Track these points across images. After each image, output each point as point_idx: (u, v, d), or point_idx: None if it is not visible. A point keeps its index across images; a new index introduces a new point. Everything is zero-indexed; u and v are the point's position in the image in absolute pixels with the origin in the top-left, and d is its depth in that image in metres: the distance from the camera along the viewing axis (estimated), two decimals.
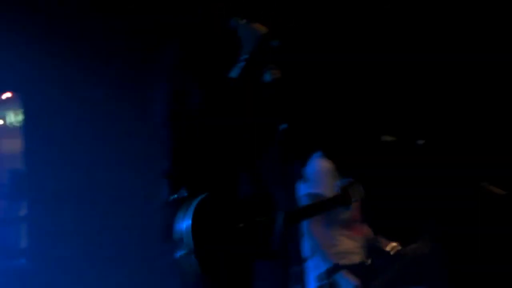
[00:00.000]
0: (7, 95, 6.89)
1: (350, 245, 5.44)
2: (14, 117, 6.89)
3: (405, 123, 6.63)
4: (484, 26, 6.96)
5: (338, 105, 6.37)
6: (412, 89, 7.08)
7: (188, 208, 3.70)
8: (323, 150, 5.51)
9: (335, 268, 5.24)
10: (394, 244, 5.56)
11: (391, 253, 5.51)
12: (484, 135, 6.90)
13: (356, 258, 5.41)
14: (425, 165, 5.83)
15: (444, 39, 7.06)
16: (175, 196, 3.83)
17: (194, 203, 3.69)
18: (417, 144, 5.54)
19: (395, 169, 6.68)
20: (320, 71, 7.06)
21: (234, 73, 3.84)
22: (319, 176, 5.32)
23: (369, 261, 5.44)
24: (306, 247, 5.47)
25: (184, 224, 3.68)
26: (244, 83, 3.83)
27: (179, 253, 3.69)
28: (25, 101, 6.75)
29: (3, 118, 6.99)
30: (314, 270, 5.36)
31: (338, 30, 7.10)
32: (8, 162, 6.57)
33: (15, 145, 6.68)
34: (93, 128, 6.55)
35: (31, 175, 6.54)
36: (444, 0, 7.03)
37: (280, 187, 3.64)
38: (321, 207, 4.43)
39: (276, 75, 3.75)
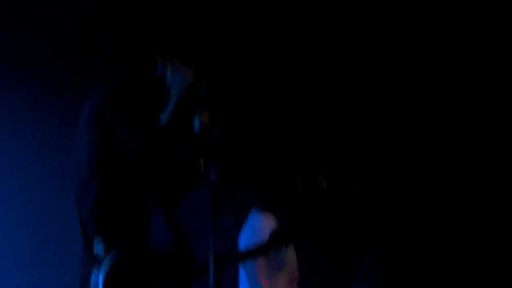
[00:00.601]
0: None
1: None
2: None
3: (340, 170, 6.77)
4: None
5: (271, 151, 6.50)
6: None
7: (100, 266, 3.60)
8: (262, 204, 5.48)
9: None
10: None
11: None
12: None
13: None
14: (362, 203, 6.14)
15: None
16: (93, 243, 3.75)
17: (106, 261, 3.60)
18: (354, 190, 5.82)
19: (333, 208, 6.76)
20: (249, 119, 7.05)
21: (163, 118, 3.80)
22: (262, 232, 5.21)
23: None
24: None
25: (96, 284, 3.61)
26: (173, 127, 3.79)
27: None
28: None
29: None
30: None
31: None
32: None
33: None
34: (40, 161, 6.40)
35: None
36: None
37: (208, 238, 3.53)
38: (253, 252, 4.49)
39: (205, 120, 3.74)
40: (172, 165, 3.80)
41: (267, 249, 4.46)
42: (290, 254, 5.41)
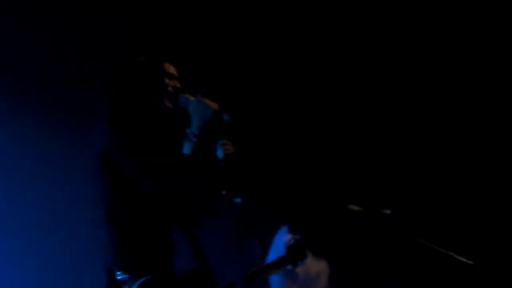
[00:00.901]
0: None
1: None
2: None
3: (371, 193, 6.69)
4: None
5: (302, 174, 6.40)
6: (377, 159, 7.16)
7: None
8: (290, 225, 5.55)
9: None
10: None
11: None
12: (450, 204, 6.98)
13: None
14: (392, 235, 5.84)
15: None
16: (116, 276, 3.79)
17: None
18: (383, 214, 5.58)
19: (363, 239, 6.73)
20: (280, 140, 7.10)
21: (186, 149, 3.84)
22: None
23: None
24: None
25: None
26: (196, 158, 3.82)
27: None
28: None
29: None
30: None
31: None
32: None
33: None
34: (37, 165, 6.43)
35: None
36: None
37: (234, 261, 3.61)
38: (271, 267, 4.45)
39: (228, 150, 3.79)
40: (193, 198, 3.91)
41: (282, 263, 4.56)
42: (314, 272, 5.39)
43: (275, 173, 6.82)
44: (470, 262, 5.35)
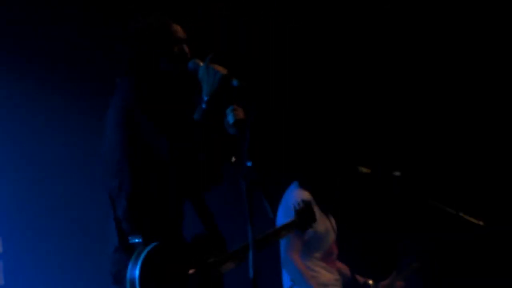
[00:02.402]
0: None
1: (328, 277, 5.45)
2: None
3: (381, 154, 6.67)
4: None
5: (314, 135, 6.37)
6: (388, 121, 7.11)
7: (136, 260, 3.63)
8: (300, 181, 5.56)
9: None
10: (369, 281, 5.62)
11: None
12: (459, 166, 6.95)
13: None
14: (402, 197, 5.86)
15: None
16: (129, 240, 3.76)
17: (142, 255, 3.63)
18: (393, 176, 5.59)
19: (371, 200, 6.74)
20: (294, 99, 7.08)
21: (197, 115, 3.80)
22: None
23: None
24: (285, 278, 5.48)
25: (132, 277, 3.62)
26: (207, 125, 3.78)
27: None
28: None
29: None
30: None
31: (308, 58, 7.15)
32: None
33: None
34: (64, 160, 6.46)
35: (4, 211, 6.46)
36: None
37: (245, 225, 3.51)
38: (280, 232, 4.33)
39: (238, 116, 3.73)
40: (204, 162, 3.83)
41: (291, 228, 4.40)
42: (323, 229, 5.41)
43: (286, 135, 6.80)
44: (481, 223, 5.36)
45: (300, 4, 6.94)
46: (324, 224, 5.44)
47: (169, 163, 3.74)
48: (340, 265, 5.60)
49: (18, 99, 6.37)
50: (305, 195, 5.34)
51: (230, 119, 3.74)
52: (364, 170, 5.56)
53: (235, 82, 3.75)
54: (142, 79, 3.86)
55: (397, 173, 5.59)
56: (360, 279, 5.59)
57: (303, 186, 5.50)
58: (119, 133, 3.80)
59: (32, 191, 6.40)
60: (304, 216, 4.39)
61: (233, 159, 3.77)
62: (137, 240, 3.71)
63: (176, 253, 3.74)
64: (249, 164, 3.54)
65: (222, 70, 3.80)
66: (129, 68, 3.94)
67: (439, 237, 6.02)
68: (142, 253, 3.63)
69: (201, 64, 3.85)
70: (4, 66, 6.29)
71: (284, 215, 5.37)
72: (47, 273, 6.40)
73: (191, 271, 3.74)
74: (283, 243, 5.33)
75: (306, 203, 4.44)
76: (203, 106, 3.78)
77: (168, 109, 3.81)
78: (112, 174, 3.83)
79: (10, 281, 6.25)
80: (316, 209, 5.06)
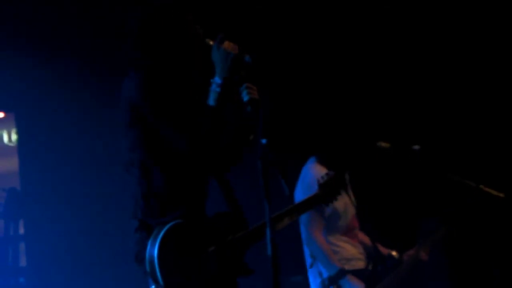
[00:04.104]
0: (0, 115, 6.87)
1: (352, 251, 5.45)
2: (9, 137, 6.86)
3: (400, 129, 6.64)
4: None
5: (332, 110, 6.34)
6: (406, 95, 7.09)
7: (155, 239, 3.62)
8: (318, 156, 5.53)
9: (340, 273, 5.24)
10: (393, 252, 5.58)
11: (391, 259, 5.54)
12: (479, 138, 6.91)
13: (359, 264, 5.43)
14: (422, 171, 5.81)
15: (437, 44, 7.08)
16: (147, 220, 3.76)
17: (161, 234, 3.62)
18: (413, 150, 5.56)
19: (391, 175, 6.70)
20: (311, 76, 7.04)
21: (211, 100, 3.75)
22: (314, 182, 5.27)
23: (371, 267, 5.44)
24: (307, 255, 5.48)
25: (150, 256, 3.62)
26: (222, 107, 3.73)
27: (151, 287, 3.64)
28: (19, 120, 6.73)
29: None
30: (316, 277, 5.37)
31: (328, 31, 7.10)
32: (5, 181, 6.52)
33: (12, 164, 6.66)
34: (88, 146, 6.52)
35: (28, 194, 6.51)
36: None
37: (264, 201, 3.49)
38: (302, 207, 4.23)
39: (252, 94, 3.68)
40: (223, 147, 3.83)
41: (314, 202, 4.29)
42: (341, 205, 5.38)
43: (302, 111, 6.77)
44: (501, 195, 5.31)
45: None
46: (343, 200, 5.37)
47: (188, 155, 3.73)
48: (362, 236, 5.57)
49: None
50: (323, 170, 5.26)
51: (244, 97, 3.69)
52: (383, 145, 5.52)
53: (247, 58, 3.70)
54: (151, 72, 3.80)
55: (417, 147, 5.54)
56: (384, 250, 5.52)
57: (321, 161, 5.48)
58: (132, 133, 3.79)
59: (55, 175, 6.46)
60: (327, 190, 4.31)
61: (251, 137, 3.75)
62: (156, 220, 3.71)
63: (195, 231, 3.72)
64: (264, 141, 3.51)
65: (234, 49, 3.74)
66: (138, 60, 3.87)
67: (460, 211, 5.97)
68: (161, 231, 3.62)
69: (211, 43, 3.79)
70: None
71: (302, 191, 5.34)
72: (69, 256, 6.45)
73: (211, 249, 3.72)
74: (304, 220, 5.32)
75: (330, 176, 4.37)
76: (218, 89, 3.73)
77: (179, 100, 3.76)
78: (140, 175, 3.80)
79: (31, 263, 6.31)
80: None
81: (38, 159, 6.55)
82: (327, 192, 4.27)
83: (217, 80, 3.74)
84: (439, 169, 5.64)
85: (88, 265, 6.47)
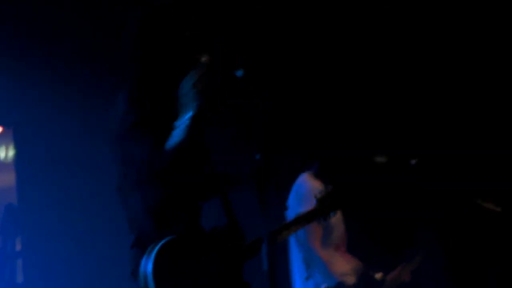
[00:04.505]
0: None
1: (345, 267, 5.45)
2: (6, 152, 6.86)
3: (397, 142, 6.62)
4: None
5: (328, 123, 6.33)
6: (403, 107, 7.07)
7: (150, 254, 3.60)
8: (314, 169, 5.52)
9: (340, 286, 5.27)
10: (377, 275, 5.61)
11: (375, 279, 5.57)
12: (476, 151, 6.89)
13: (351, 280, 5.44)
14: (419, 185, 5.81)
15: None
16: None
17: (156, 249, 3.59)
18: (410, 164, 5.54)
19: (388, 189, 6.69)
20: (306, 90, 7.03)
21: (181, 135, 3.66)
22: (309, 195, 5.26)
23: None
24: (301, 268, 5.45)
25: (144, 273, 3.59)
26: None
27: None
28: (16, 136, 6.73)
29: None
30: None
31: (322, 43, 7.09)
32: (2, 197, 6.52)
33: (9, 179, 6.65)
34: (86, 161, 6.51)
35: (25, 209, 6.50)
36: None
37: (260, 216, 3.50)
38: (301, 221, 4.25)
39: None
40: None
41: (314, 216, 4.29)
42: (336, 219, 5.36)
43: (298, 125, 6.76)
44: (498, 209, 5.30)
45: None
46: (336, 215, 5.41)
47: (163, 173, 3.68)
48: (349, 257, 5.58)
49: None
50: (317, 184, 5.31)
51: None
52: (380, 159, 5.52)
53: (239, 73, 3.65)
54: (142, 92, 3.79)
55: (414, 161, 5.53)
56: (369, 271, 5.57)
57: (316, 174, 5.48)
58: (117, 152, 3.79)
59: (52, 191, 6.45)
60: (326, 204, 4.31)
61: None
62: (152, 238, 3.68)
63: (191, 247, 3.70)
64: (257, 157, 3.51)
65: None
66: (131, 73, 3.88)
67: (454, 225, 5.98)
68: (155, 247, 3.60)
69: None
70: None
71: (297, 202, 5.33)
72: (66, 273, 6.43)
73: (207, 264, 3.71)
74: (301, 233, 5.29)
75: (328, 191, 4.36)
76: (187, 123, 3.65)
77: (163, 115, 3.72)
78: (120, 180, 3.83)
79: (28, 280, 6.29)
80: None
81: (35, 174, 6.54)
82: (325, 206, 4.29)
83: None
84: (436, 183, 5.64)
85: (86, 281, 6.45)
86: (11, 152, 6.74)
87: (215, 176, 3.83)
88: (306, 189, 5.32)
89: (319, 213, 4.27)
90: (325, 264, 5.29)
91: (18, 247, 6.35)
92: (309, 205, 4.66)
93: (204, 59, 3.71)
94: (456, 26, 6.88)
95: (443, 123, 6.99)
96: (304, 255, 5.37)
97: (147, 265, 3.58)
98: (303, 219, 4.26)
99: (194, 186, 3.81)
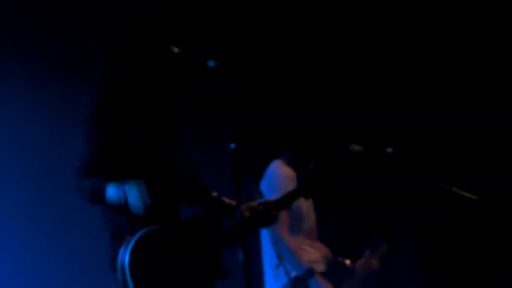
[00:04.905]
0: None
1: (315, 255, 5.47)
2: None
3: (373, 131, 6.64)
4: None
5: (304, 111, 6.32)
6: (378, 96, 7.11)
7: (127, 245, 3.62)
8: (285, 156, 5.51)
9: (309, 273, 5.26)
10: (346, 260, 5.63)
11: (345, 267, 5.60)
12: (452, 141, 6.94)
13: (320, 268, 5.44)
14: (395, 174, 5.81)
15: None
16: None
17: (133, 241, 3.62)
18: (385, 152, 5.55)
19: (364, 179, 6.70)
20: (284, 76, 7.03)
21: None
22: (281, 182, 5.33)
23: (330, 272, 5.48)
24: (272, 256, 5.44)
25: (122, 262, 3.62)
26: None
27: None
28: None
29: None
30: (282, 278, 5.32)
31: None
32: None
33: None
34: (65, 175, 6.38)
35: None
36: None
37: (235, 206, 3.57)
38: (283, 202, 4.31)
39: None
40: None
41: (295, 196, 4.34)
42: (305, 208, 5.43)
43: (272, 113, 6.76)
44: (474, 197, 5.31)
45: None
46: (306, 203, 5.44)
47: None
48: (319, 245, 5.59)
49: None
50: (289, 171, 5.34)
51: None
52: (356, 148, 5.50)
53: (211, 63, 3.65)
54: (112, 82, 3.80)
55: (390, 150, 5.53)
56: (339, 258, 5.59)
57: (288, 162, 5.48)
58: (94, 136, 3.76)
59: (24, 196, 6.33)
60: (307, 184, 4.36)
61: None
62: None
63: (169, 236, 3.73)
64: (232, 146, 3.52)
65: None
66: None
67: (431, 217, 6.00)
68: (132, 239, 3.62)
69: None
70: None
71: (267, 191, 5.21)
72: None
73: (185, 252, 3.75)
74: None
75: (310, 170, 4.39)
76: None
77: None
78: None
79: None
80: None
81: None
82: (306, 186, 4.34)
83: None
84: (411, 172, 5.65)
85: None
86: None
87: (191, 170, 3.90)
88: (279, 176, 5.34)
89: (301, 192, 4.37)
90: (293, 252, 5.28)
91: None
92: (281, 192, 4.72)
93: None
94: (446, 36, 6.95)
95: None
96: (273, 244, 5.34)
97: (124, 256, 3.60)
98: (286, 200, 4.33)
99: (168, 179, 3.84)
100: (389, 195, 6.85)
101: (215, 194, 4.07)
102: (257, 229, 3.95)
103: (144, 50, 3.84)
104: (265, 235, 5.45)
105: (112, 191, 3.62)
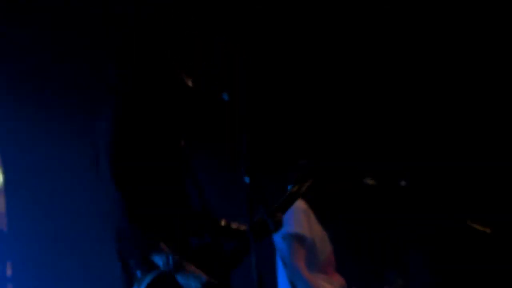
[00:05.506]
0: None
1: (330, 287, 5.42)
2: None
3: (386, 165, 6.61)
4: None
5: (318, 144, 6.33)
6: (393, 130, 7.07)
7: (141, 283, 3.59)
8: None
9: None
10: None
11: None
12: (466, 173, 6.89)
13: None
14: (408, 207, 5.81)
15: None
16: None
17: (143, 285, 3.59)
18: (400, 186, 5.54)
19: (378, 212, 6.68)
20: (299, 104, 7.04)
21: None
22: (295, 215, 5.28)
23: None
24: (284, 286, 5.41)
25: None
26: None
27: None
28: (4, 160, 6.69)
29: None
30: None
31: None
32: None
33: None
34: (76, 184, 6.47)
35: (15, 235, 6.46)
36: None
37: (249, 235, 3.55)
38: (284, 205, 4.31)
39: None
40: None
41: (287, 205, 4.32)
42: (319, 238, 5.39)
43: (289, 145, 6.77)
44: (488, 230, 5.30)
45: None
46: (321, 233, 5.42)
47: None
48: (337, 277, 5.55)
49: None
50: (301, 204, 5.32)
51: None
52: (370, 181, 5.51)
53: (225, 96, 3.61)
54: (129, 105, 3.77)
55: (404, 183, 5.53)
56: None
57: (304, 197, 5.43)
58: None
59: (42, 216, 6.40)
60: (301, 184, 4.40)
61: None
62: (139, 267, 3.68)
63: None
64: (246, 180, 3.48)
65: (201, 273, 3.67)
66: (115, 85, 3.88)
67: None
68: (142, 283, 3.61)
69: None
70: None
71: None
72: None
73: None
74: (285, 253, 5.29)
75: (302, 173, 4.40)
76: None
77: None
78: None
79: None
80: (313, 218, 5.01)
81: (24, 199, 6.49)
82: (300, 187, 4.39)
83: None
84: (424, 204, 5.64)
85: None
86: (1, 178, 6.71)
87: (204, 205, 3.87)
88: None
89: (297, 195, 4.39)
90: (310, 284, 5.25)
91: (9, 272, 6.32)
92: (293, 226, 4.71)
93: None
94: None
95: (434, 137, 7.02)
96: (288, 275, 5.33)
97: None
98: (285, 204, 4.32)
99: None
100: (403, 226, 6.81)
101: (223, 222, 4.04)
102: (264, 239, 3.89)
103: (156, 80, 3.82)
104: (280, 265, 5.44)
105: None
